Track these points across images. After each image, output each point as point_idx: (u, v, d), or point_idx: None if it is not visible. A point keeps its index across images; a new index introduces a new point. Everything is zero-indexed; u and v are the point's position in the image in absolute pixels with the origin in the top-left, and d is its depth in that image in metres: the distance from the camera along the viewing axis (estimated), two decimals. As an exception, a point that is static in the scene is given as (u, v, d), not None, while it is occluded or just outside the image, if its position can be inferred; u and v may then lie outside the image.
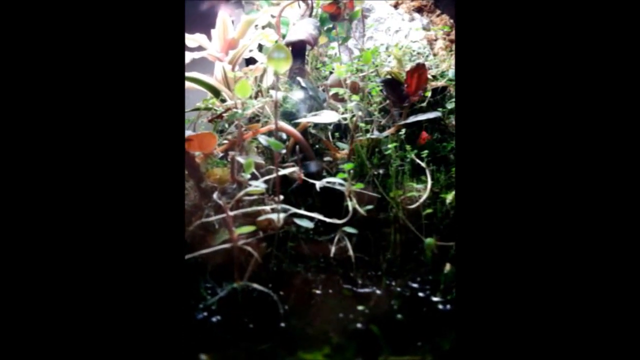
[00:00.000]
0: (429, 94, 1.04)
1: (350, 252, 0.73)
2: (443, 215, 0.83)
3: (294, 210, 0.71)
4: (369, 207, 0.75)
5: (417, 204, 0.80)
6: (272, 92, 0.73)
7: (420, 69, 1.00)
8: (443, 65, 1.22)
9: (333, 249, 0.74)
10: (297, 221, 0.73)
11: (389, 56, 1.25)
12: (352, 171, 0.86)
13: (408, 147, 0.91)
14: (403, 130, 0.94)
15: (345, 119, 0.84)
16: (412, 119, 0.96)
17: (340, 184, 0.74)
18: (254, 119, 0.93)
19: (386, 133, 0.96)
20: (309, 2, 1.05)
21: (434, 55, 1.26)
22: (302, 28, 1.00)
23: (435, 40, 1.28)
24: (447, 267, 0.77)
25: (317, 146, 0.92)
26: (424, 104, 1.04)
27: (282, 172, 0.75)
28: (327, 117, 0.83)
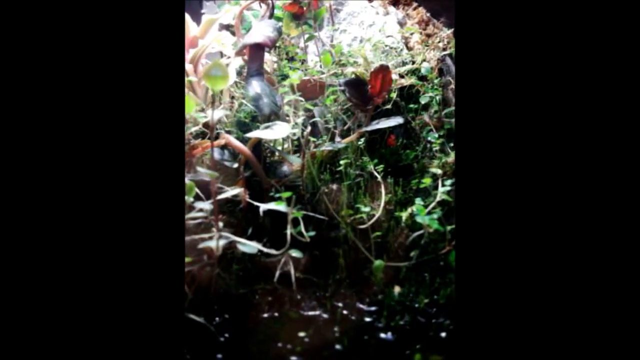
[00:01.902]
0: (394, 95, 1.00)
1: (293, 279, 0.71)
2: (397, 234, 0.81)
3: (233, 238, 0.69)
4: (312, 233, 0.72)
5: (367, 224, 0.77)
6: (208, 111, 0.70)
7: (384, 70, 0.96)
8: (418, 58, 1.17)
9: (277, 274, 0.72)
10: (240, 247, 0.71)
11: (359, 50, 1.20)
12: (303, 187, 0.84)
13: (366, 158, 0.88)
14: (362, 139, 0.90)
15: (295, 133, 0.81)
16: (373, 125, 0.92)
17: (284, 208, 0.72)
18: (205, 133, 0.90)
19: (346, 141, 0.93)
20: (269, 2, 1.00)
21: (409, 49, 1.21)
22: (260, 30, 0.95)
23: (411, 34, 1.22)
24: (397, 289, 0.76)
25: (273, 158, 0.89)
26: (389, 106, 1.00)
27: (225, 194, 0.73)
28: (277, 132, 0.79)
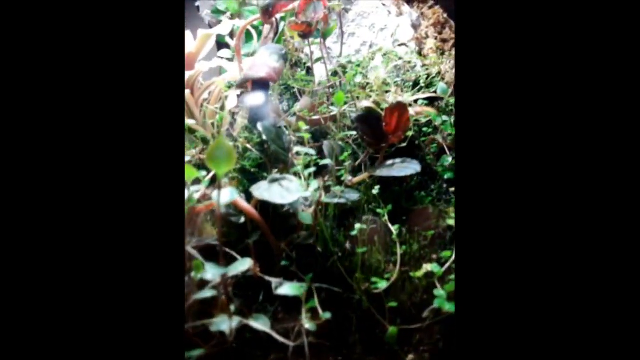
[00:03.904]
0: (411, 133, 0.93)
1: (307, 352, 0.70)
2: (410, 293, 0.79)
3: (246, 322, 0.67)
4: (328, 315, 0.70)
5: (381, 289, 0.75)
6: (214, 193, 0.64)
7: (400, 108, 0.89)
8: (433, 70, 1.08)
9: (291, 347, 0.71)
10: (252, 324, 0.69)
11: (372, 59, 1.11)
12: (315, 242, 0.81)
13: (380, 210, 0.83)
14: (377, 187, 0.85)
15: (307, 197, 0.76)
16: (387, 171, 0.87)
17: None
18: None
19: (357, 181, 0.88)
20: (273, 21, 0.89)
21: (424, 57, 1.11)
22: (263, 60, 0.86)
23: (426, 38, 1.12)
24: (410, 357, 0.75)
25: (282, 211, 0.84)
26: (405, 144, 0.93)
27: (235, 271, 0.70)
28: (287, 193, 0.74)
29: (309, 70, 1.08)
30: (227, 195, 0.66)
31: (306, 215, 0.79)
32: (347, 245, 0.80)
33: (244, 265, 0.71)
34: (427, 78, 1.05)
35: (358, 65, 1.09)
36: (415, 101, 0.98)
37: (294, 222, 0.82)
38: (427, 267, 0.78)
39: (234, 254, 0.75)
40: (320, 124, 0.92)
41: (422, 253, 0.83)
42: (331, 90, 1.00)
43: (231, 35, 1.02)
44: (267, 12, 0.85)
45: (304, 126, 0.79)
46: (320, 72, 1.07)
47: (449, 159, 0.99)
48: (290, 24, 0.89)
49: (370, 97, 0.97)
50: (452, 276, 0.74)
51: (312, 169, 0.75)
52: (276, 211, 0.82)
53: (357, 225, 0.76)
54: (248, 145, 0.84)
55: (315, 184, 0.73)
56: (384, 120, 0.90)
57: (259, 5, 0.86)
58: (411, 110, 0.91)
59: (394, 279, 0.77)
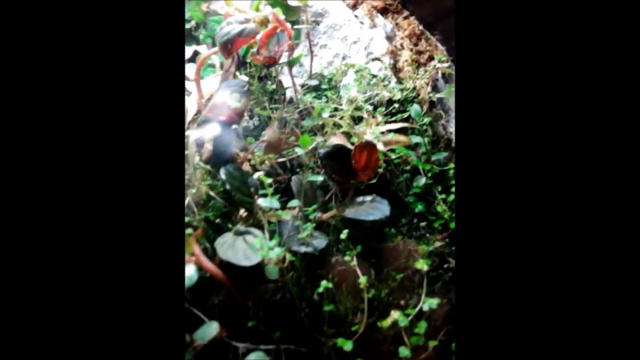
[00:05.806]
0: (381, 170, 0.90)
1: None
2: (378, 342, 0.80)
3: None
4: (294, 380, 0.71)
5: (348, 346, 0.76)
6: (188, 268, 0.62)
7: (370, 147, 0.85)
8: (407, 83, 1.04)
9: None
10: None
11: (344, 74, 1.05)
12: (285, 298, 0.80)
13: (347, 257, 0.82)
14: (345, 231, 0.83)
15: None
16: (354, 213, 0.85)
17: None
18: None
19: (326, 217, 0.86)
20: (235, 55, 0.83)
21: (398, 70, 1.06)
22: (224, 100, 0.81)
23: (401, 49, 1.05)
24: (377, 406, 0.78)
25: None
26: (375, 180, 0.91)
27: (200, 340, 0.70)
28: (250, 256, 0.73)
29: (278, 89, 1.02)
30: (188, 276, 0.64)
31: (272, 270, 0.78)
32: (315, 296, 0.79)
33: (210, 330, 0.71)
34: (401, 94, 1.01)
35: (329, 82, 1.03)
36: (389, 130, 0.94)
37: (261, 273, 0.81)
38: (395, 315, 0.79)
39: (201, 314, 0.74)
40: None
41: (391, 299, 0.83)
42: (300, 115, 0.96)
43: (193, 59, 0.95)
44: (227, 48, 0.78)
45: (267, 180, 0.75)
46: (289, 92, 1.02)
47: (422, 180, 0.97)
48: (252, 56, 0.82)
49: (341, 126, 0.92)
50: (418, 329, 0.75)
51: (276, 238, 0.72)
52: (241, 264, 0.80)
53: (323, 283, 0.75)
54: (212, 193, 0.80)
55: (279, 250, 0.71)
56: (352, 158, 0.86)
57: (217, 40, 0.79)
58: (380, 146, 0.87)
59: (360, 332, 0.77)
